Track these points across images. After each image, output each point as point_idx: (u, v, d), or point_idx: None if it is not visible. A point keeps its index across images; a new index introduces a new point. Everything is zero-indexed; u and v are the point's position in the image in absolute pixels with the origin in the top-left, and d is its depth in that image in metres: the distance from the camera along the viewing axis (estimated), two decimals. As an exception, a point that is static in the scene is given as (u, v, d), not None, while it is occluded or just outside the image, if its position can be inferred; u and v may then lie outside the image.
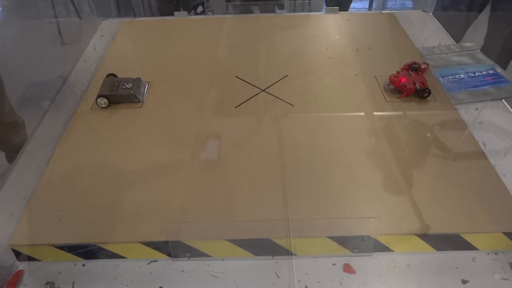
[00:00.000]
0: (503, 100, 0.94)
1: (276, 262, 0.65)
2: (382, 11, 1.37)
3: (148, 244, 0.65)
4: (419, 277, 0.63)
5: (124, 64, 1.12)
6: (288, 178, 0.75)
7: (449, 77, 1.01)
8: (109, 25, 1.32)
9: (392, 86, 0.96)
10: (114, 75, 1.02)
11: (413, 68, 0.99)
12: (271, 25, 1.29)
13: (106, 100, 0.93)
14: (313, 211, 0.69)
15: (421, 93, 0.93)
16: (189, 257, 0.66)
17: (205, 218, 0.69)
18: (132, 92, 0.94)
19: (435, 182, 0.74)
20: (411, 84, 0.93)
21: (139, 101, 0.95)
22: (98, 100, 0.93)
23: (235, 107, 0.93)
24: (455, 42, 1.17)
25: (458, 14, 1.72)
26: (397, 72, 0.98)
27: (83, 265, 0.66)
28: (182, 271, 0.65)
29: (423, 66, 1.01)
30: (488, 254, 0.66)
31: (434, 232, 0.65)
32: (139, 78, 0.98)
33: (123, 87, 0.95)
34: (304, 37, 1.22)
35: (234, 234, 0.65)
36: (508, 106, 0.92)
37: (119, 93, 0.94)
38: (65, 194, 0.74)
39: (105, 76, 1.01)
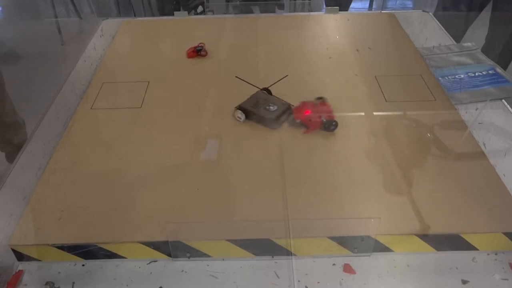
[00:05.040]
0: (503, 100, 0.94)
1: (276, 262, 0.65)
2: (382, 11, 1.37)
3: (148, 244, 0.65)
4: (419, 277, 0.63)
5: (124, 64, 1.12)
6: (288, 178, 0.75)
7: (449, 77, 1.01)
8: (109, 25, 1.32)
9: (298, 121, 0.86)
10: (268, 91, 0.94)
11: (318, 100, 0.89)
12: (271, 25, 1.29)
13: (243, 115, 0.87)
14: (313, 211, 0.69)
15: (327, 125, 0.84)
16: (189, 257, 0.66)
17: (205, 218, 0.69)
18: (272, 117, 0.85)
19: (435, 182, 0.74)
20: (317, 117, 0.85)
21: (277, 127, 0.86)
22: (235, 112, 0.88)
23: (235, 107, 0.93)
24: (455, 42, 1.17)
25: (458, 14, 1.72)
26: (302, 102, 0.88)
27: (83, 265, 0.66)
28: (182, 271, 0.65)
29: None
30: (488, 254, 0.66)
31: (434, 232, 0.65)
32: (289, 104, 0.89)
33: (267, 108, 0.87)
34: (304, 37, 1.22)
35: (234, 234, 0.65)
36: (508, 106, 0.92)
37: (258, 113, 0.86)
38: (65, 194, 0.74)
39: (260, 89, 0.93)
